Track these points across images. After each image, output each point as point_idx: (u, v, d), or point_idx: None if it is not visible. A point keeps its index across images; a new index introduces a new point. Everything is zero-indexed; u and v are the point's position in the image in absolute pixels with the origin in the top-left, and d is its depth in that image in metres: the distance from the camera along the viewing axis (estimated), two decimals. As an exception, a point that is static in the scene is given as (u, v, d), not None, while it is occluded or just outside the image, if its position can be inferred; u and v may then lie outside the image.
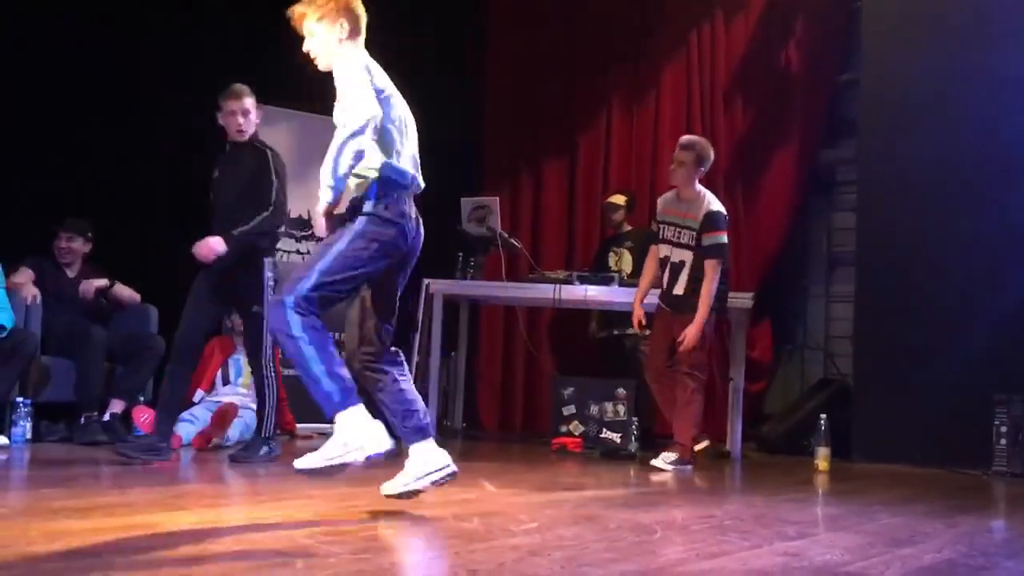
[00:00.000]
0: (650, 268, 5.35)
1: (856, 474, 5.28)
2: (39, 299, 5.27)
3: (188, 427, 5.07)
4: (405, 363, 3.24)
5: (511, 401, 7.35)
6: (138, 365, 5.32)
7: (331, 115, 3.01)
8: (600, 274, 6.20)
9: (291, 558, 2.39)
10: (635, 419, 5.73)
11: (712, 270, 5.03)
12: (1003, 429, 5.25)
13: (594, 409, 6.04)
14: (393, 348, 3.21)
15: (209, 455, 4.88)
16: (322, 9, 3.10)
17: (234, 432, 5.18)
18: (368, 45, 3.18)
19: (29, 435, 4.91)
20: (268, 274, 4.57)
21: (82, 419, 5.08)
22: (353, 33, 3.14)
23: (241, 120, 4.64)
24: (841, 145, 6.98)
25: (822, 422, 5.31)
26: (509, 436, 6.84)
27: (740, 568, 2.52)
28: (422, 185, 3.19)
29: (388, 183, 3.06)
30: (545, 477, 4.59)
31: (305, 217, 6.32)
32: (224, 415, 5.17)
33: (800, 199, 7.02)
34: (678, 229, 5.18)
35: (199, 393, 5.46)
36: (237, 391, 5.49)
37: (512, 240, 6.46)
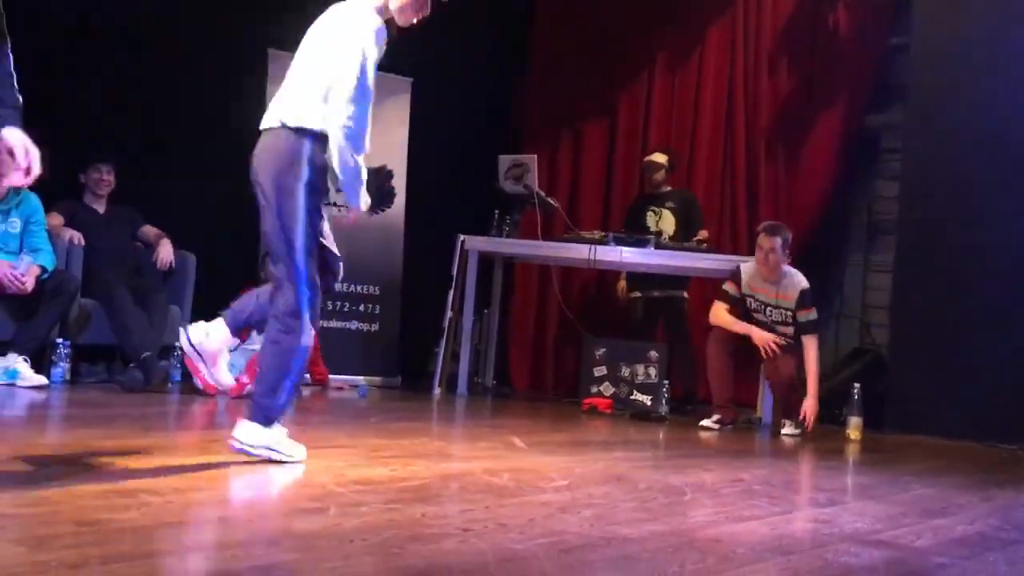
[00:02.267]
0: (731, 316, 5.34)
1: (888, 445, 5.24)
2: (82, 241, 5.30)
3: (223, 374, 5.11)
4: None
5: (542, 360, 7.36)
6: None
7: None
8: (635, 234, 6.14)
9: (324, 506, 2.42)
10: (666, 382, 5.72)
11: (813, 345, 5.24)
12: (1041, 404, 5.20)
13: (625, 371, 6.03)
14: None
15: (245, 402, 4.92)
16: None
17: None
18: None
19: (68, 376, 5.00)
20: None
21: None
22: None
23: None
24: (888, 111, 6.84)
25: (855, 391, 5.28)
26: (539, 395, 6.85)
27: (769, 532, 2.52)
28: None
29: None
30: (575, 436, 4.60)
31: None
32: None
33: (843, 165, 6.90)
34: (769, 307, 5.33)
35: (234, 341, 5.49)
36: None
37: (549, 199, 6.43)
